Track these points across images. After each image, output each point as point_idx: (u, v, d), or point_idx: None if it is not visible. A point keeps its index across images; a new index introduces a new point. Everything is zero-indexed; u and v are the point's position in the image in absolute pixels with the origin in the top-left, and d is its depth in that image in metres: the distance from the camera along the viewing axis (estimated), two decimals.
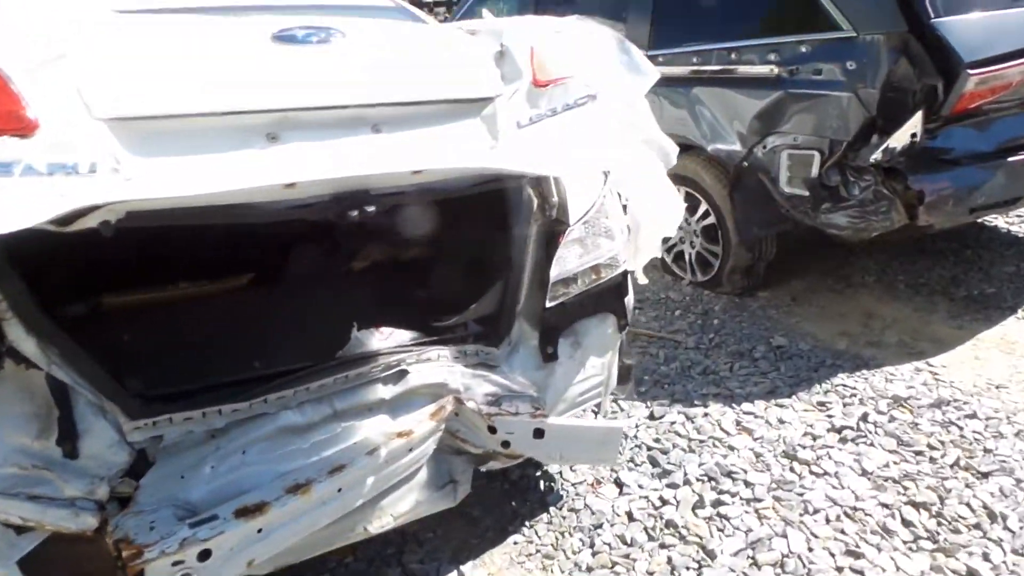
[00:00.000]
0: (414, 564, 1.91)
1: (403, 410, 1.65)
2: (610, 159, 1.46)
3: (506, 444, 1.71)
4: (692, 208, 3.31)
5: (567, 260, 1.77)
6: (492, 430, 1.69)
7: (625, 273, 1.89)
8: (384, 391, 1.63)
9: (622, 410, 2.54)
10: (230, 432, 1.46)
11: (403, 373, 1.66)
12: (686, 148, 3.23)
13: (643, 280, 1.86)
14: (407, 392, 1.65)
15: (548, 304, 1.75)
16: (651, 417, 2.48)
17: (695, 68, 3.11)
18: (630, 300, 1.93)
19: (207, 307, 1.65)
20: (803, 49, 2.69)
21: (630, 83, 1.61)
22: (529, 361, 1.82)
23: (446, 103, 1.39)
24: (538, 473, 2.23)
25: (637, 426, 2.44)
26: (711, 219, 3.23)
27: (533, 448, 1.73)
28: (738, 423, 2.41)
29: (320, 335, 1.66)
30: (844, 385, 2.59)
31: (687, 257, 3.46)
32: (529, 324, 1.82)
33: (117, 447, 1.37)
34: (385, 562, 1.92)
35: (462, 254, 1.90)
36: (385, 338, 1.73)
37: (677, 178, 3.30)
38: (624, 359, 2.01)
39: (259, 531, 1.35)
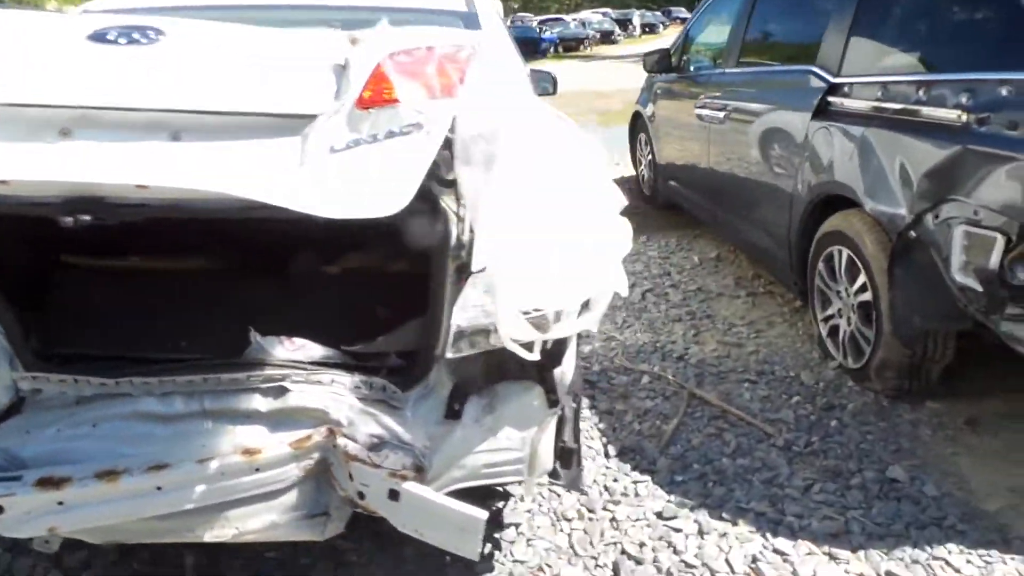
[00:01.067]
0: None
1: (284, 427, 1.61)
2: (391, 205, 1.19)
3: (361, 496, 1.57)
4: (852, 277, 2.62)
5: (481, 309, 1.53)
6: (350, 475, 1.56)
7: (561, 341, 1.58)
8: (261, 403, 1.60)
9: (637, 495, 2.15)
10: (93, 403, 1.57)
11: (283, 390, 1.61)
12: (852, 204, 2.56)
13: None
14: (287, 410, 1.61)
15: (448, 354, 1.54)
16: (659, 515, 2.05)
17: (876, 104, 2.42)
18: (564, 373, 1.61)
19: (143, 283, 1.77)
20: (1002, 92, 1.92)
21: (495, 111, 1.31)
22: (433, 414, 1.64)
23: (262, 116, 1.28)
24: (497, 535, 2.01)
25: (637, 520, 2.05)
26: (868, 295, 2.52)
27: (389, 510, 1.55)
28: (754, 560, 1.87)
29: (226, 332, 1.68)
30: (946, 561, 1.85)
31: (841, 334, 2.76)
32: (448, 373, 1.63)
33: (5, 390, 1.56)
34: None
35: (399, 282, 1.77)
36: (294, 349, 1.70)
37: (838, 236, 2.64)
38: (566, 441, 1.70)
39: (60, 503, 1.43)
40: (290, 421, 1.61)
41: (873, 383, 2.59)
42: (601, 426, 2.51)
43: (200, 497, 1.52)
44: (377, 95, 1.28)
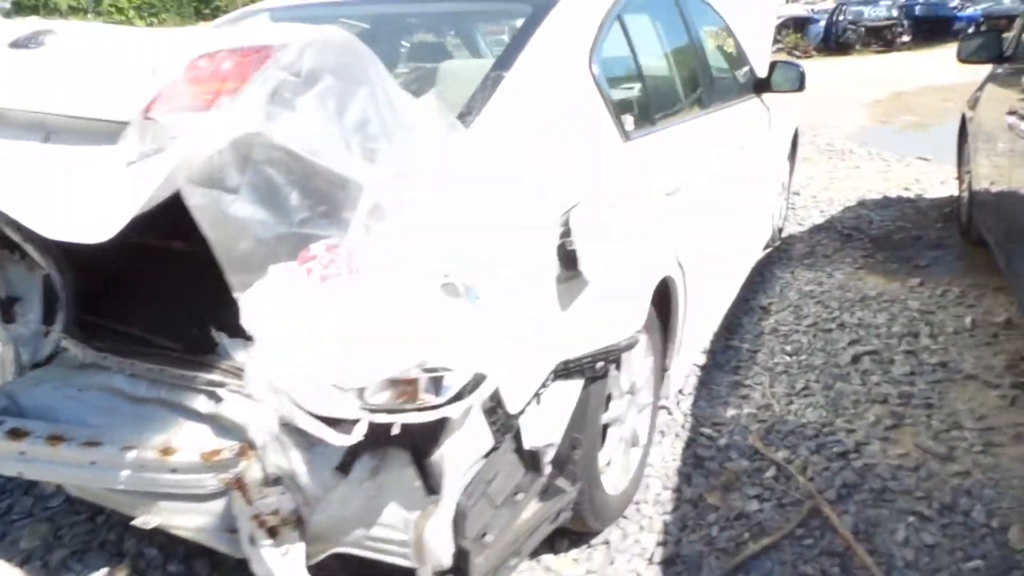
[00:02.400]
0: None
1: (224, 434, 1.61)
2: (97, 234, 1.02)
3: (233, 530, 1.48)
4: None
5: None
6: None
7: (437, 425, 1.26)
8: (204, 405, 1.63)
9: None
10: (86, 370, 1.76)
11: (218, 397, 1.60)
12: None
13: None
14: (220, 418, 1.61)
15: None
16: None
17: None
18: (444, 458, 1.29)
19: (170, 263, 1.87)
20: None
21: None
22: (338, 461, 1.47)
23: (105, 122, 1.21)
24: None
25: None
26: None
27: (248, 552, 1.45)
28: None
29: (204, 324, 1.72)
30: None
31: None
32: None
33: (52, 343, 1.87)
34: None
35: None
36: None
37: None
38: (463, 542, 1.36)
39: (21, 453, 1.63)
40: (224, 430, 1.60)
41: None
42: (668, 518, 1.99)
43: (127, 481, 1.59)
44: (155, 106, 1.14)
